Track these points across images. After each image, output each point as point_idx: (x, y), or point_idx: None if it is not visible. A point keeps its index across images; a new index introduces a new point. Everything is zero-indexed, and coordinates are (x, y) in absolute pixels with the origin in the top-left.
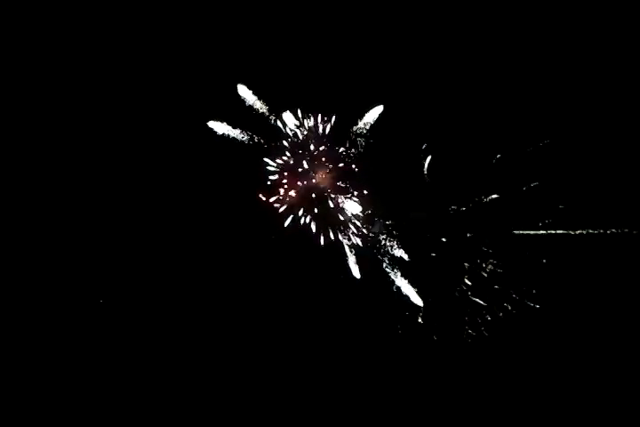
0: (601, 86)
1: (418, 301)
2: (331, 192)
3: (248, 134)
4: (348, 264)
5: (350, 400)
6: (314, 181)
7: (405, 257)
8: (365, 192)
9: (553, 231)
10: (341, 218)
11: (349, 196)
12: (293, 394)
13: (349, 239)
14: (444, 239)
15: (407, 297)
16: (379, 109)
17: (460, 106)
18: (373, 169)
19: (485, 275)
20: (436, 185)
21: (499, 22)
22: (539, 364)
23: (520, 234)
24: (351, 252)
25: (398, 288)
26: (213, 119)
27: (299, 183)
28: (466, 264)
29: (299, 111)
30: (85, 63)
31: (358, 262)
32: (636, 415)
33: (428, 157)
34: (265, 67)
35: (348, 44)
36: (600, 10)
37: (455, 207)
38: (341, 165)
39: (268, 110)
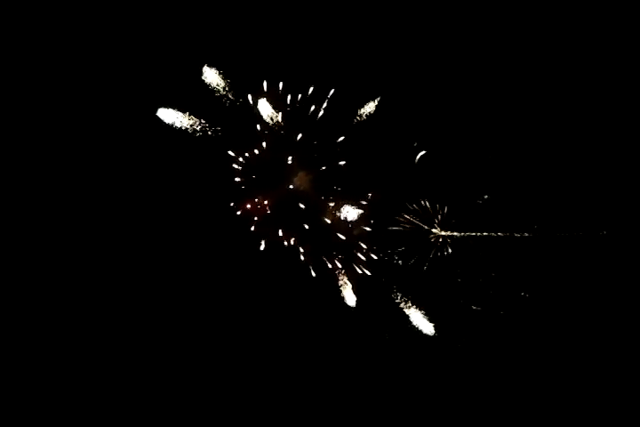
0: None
1: (428, 328)
2: (326, 200)
3: (204, 122)
4: (343, 298)
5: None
6: (299, 183)
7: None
8: (369, 195)
9: (542, 233)
10: (341, 237)
11: (352, 204)
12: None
13: (348, 268)
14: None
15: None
16: (376, 101)
17: (454, 106)
18: (370, 168)
19: (479, 279)
20: (427, 185)
21: (497, 21)
22: (535, 365)
23: (508, 236)
24: (349, 282)
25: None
26: (162, 106)
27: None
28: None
29: (280, 85)
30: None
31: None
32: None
33: (419, 154)
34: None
35: (341, 26)
36: (597, 10)
37: (446, 209)
38: (342, 162)
39: (231, 86)
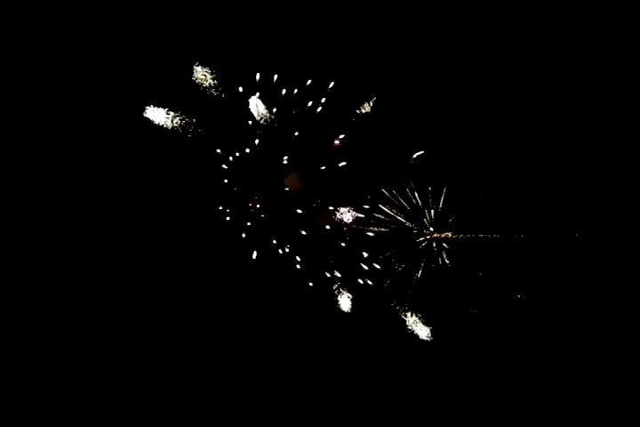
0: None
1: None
2: (321, 202)
3: (194, 122)
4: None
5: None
6: (292, 185)
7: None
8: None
9: (537, 235)
10: (342, 244)
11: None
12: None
13: (344, 273)
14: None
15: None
16: (371, 102)
17: (451, 106)
18: (367, 169)
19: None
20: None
21: (495, 21)
22: (532, 366)
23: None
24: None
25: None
26: (151, 106)
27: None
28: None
29: (274, 77)
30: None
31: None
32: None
33: (416, 154)
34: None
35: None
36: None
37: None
38: (344, 163)
39: (223, 85)
